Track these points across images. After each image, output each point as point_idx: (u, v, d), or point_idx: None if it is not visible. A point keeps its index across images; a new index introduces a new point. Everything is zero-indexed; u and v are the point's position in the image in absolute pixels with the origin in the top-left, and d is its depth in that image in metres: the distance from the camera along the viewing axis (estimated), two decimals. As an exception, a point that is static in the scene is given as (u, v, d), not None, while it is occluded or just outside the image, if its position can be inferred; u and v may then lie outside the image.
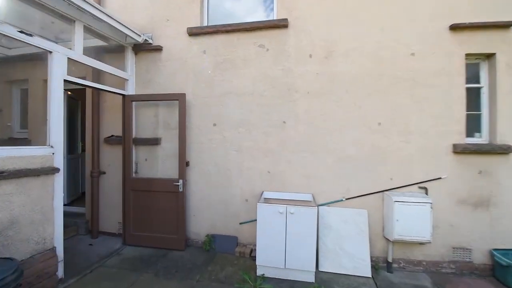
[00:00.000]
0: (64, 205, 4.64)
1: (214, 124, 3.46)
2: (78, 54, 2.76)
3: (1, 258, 1.83)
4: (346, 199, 3.07)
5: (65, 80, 2.62)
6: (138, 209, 3.52)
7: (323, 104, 3.15)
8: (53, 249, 2.48)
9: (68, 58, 2.64)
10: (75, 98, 4.79)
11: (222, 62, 3.44)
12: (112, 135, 3.77)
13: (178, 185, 3.36)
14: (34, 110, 4.02)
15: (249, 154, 3.36)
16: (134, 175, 3.64)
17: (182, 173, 3.36)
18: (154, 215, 3.48)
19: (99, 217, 3.85)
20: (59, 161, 2.55)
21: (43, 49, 2.41)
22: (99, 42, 3.44)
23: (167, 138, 3.60)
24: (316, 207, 2.68)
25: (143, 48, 3.62)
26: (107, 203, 3.83)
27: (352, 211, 3.02)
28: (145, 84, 3.69)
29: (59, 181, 2.55)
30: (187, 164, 3.53)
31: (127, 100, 3.51)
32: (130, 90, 3.63)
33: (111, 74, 3.36)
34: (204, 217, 3.51)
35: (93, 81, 3.44)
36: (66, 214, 4.27)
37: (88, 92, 3.86)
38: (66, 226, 3.88)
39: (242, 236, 3.39)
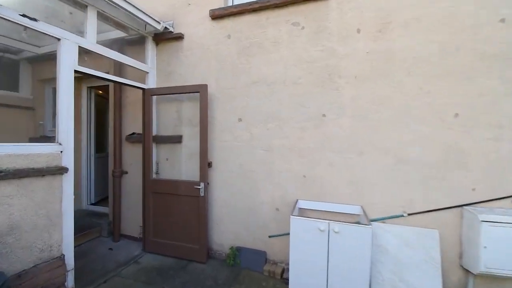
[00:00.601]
0: (91, 204, 4.68)
1: (240, 119, 2.99)
2: (90, 43, 2.51)
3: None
4: (409, 214, 2.35)
5: (76, 71, 2.38)
6: (158, 214, 3.21)
7: (375, 91, 2.47)
8: (61, 258, 2.24)
9: (79, 46, 2.40)
10: (105, 96, 4.74)
11: (249, 46, 2.95)
12: (134, 133, 3.54)
13: (199, 188, 2.96)
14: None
15: (280, 154, 2.81)
16: (154, 175, 3.35)
17: (204, 175, 2.95)
18: (174, 221, 3.13)
19: (121, 220, 3.65)
20: (69, 160, 2.31)
21: (50, 35, 2.18)
22: (119, 34, 3.21)
23: (189, 136, 3.23)
24: (371, 226, 2.02)
25: (164, 37, 3.30)
26: (129, 205, 3.61)
27: (418, 231, 2.28)
28: (167, 76, 3.38)
29: (68, 182, 2.31)
30: (209, 165, 3.12)
31: (146, 94, 3.23)
32: (151, 83, 3.34)
33: (130, 66, 3.10)
34: (228, 226, 3.06)
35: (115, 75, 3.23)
36: (91, 214, 4.24)
37: (111, 89, 3.70)
38: (89, 227, 3.79)
39: (272, 251, 2.86)
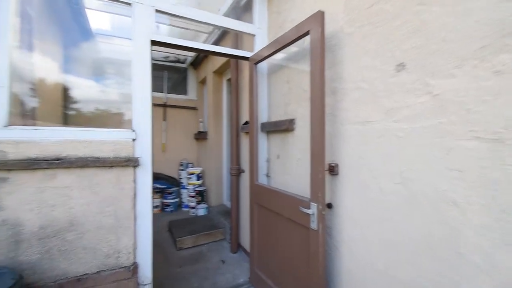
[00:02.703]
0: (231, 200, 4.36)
1: (401, 66, 1.24)
2: (170, 4, 1.98)
3: None
4: None
5: (153, 42, 1.93)
6: (263, 237, 2.18)
7: None
8: (131, 268, 1.83)
9: (156, 10, 1.93)
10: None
11: None
12: (247, 122, 2.78)
13: (309, 214, 1.57)
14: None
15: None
16: (265, 178, 2.37)
17: (319, 190, 1.52)
18: (279, 256, 1.96)
19: (239, 227, 3.03)
20: (143, 150, 1.87)
21: (119, 0, 1.84)
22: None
23: (304, 119, 1.92)
24: None
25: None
26: (246, 211, 2.91)
27: None
28: (277, 33, 2.27)
29: (143, 177, 1.87)
30: (332, 170, 1.62)
31: (250, 65, 2.32)
32: (259, 49, 2.40)
33: (231, 30, 2.34)
34: (369, 309, 1.39)
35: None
36: (225, 212, 3.74)
37: (233, 70, 3.20)
38: (216, 226, 3.44)
39: None
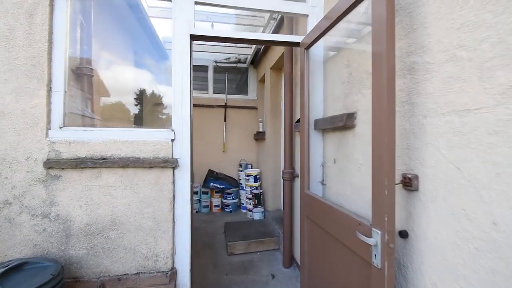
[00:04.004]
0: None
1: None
2: (209, -8, 1.83)
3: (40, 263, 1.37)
4: None
5: (192, 36, 1.82)
6: (314, 258, 1.78)
7: None
8: (169, 274, 1.76)
9: (195, 2, 1.81)
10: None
11: None
12: (299, 119, 2.40)
13: (370, 245, 1.11)
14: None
15: None
16: (319, 186, 1.96)
17: (384, 213, 1.05)
18: (330, 282, 1.53)
19: (293, 239, 2.67)
20: (183, 151, 1.79)
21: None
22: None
23: (367, 113, 1.43)
24: None
25: None
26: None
27: None
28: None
29: (182, 179, 1.79)
30: (406, 184, 1.10)
31: (300, 50, 1.94)
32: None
33: (276, 12, 2.03)
34: None
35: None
36: (278, 219, 3.53)
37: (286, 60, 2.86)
38: (271, 234, 3.21)
39: None
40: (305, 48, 1.87)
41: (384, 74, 1.05)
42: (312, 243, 1.80)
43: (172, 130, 1.80)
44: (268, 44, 2.07)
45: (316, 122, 1.95)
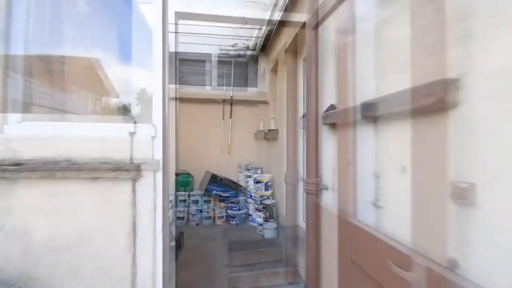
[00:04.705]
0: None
1: None
2: None
3: None
4: None
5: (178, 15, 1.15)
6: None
7: None
8: None
9: None
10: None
11: None
12: (332, 105, 1.68)
13: None
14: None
15: None
16: (369, 209, 1.23)
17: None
18: None
19: (320, 278, 1.93)
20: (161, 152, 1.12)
21: None
22: None
23: (488, 75, 0.71)
24: None
25: None
26: (332, 253, 1.78)
27: None
28: None
29: (150, 186, 1.12)
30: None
31: (308, 30, 1.24)
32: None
33: None
34: None
35: None
36: (296, 239, 2.60)
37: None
38: (284, 263, 2.41)
39: None
40: (312, 28, 1.15)
41: None
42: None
43: (154, 126, 1.13)
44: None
45: (367, 106, 1.23)
